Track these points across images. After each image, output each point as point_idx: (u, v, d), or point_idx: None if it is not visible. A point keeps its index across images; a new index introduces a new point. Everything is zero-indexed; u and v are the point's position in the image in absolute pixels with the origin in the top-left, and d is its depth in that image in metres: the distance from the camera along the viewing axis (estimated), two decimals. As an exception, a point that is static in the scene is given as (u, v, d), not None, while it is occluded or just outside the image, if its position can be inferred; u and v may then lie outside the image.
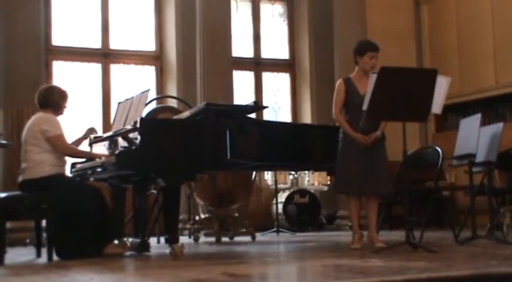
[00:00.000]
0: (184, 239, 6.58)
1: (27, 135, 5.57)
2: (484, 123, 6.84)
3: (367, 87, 5.36)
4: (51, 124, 5.52)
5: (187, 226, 7.90)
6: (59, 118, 5.69)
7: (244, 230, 7.66)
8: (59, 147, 5.50)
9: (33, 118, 5.69)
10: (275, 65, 10.89)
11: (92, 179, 5.93)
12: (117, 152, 5.11)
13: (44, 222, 5.54)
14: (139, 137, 4.98)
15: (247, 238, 7.54)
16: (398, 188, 5.76)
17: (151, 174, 5.28)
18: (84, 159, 5.86)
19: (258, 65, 10.68)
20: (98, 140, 6.07)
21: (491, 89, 9.58)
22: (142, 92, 5.67)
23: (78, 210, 5.31)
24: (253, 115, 6.17)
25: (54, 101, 5.69)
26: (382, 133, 5.72)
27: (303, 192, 9.49)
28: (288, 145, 5.87)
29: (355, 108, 5.66)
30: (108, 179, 5.89)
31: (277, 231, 8.74)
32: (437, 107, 5.57)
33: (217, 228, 7.42)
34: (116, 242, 5.60)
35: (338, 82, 5.91)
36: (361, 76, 5.78)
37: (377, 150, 5.68)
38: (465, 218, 6.55)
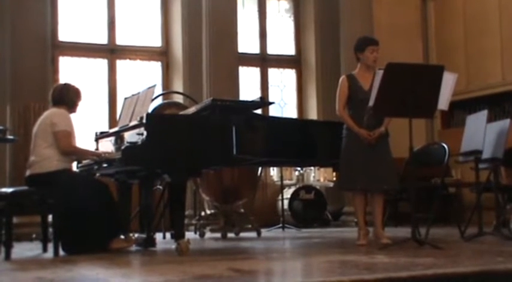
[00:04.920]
0: (190, 235, 6.58)
1: (39, 128, 5.60)
2: (490, 119, 6.83)
3: (374, 83, 5.36)
4: (62, 119, 5.54)
5: (193, 222, 7.92)
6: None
7: (249, 226, 7.67)
8: (61, 143, 5.48)
9: (46, 112, 5.71)
10: (281, 61, 10.88)
11: (98, 174, 5.93)
12: (123, 147, 5.12)
13: (50, 217, 5.55)
14: (145, 133, 4.99)
15: (253, 234, 7.55)
16: (404, 184, 5.75)
17: (157, 169, 5.29)
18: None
19: (264, 61, 10.67)
20: (104, 135, 6.09)
21: (497, 85, 9.55)
22: (149, 88, 5.68)
23: (85, 206, 5.32)
24: (259, 111, 6.17)
25: (69, 98, 5.72)
26: (385, 129, 5.71)
27: (309, 188, 9.49)
28: (294, 141, 5.87)
29: (358, 104, 5.65)
30: (114, 175, 5.90)
31: (283, 227, 8.74)
32: (443, 103, 5.55)
33: (222, 224, 7.43)
34: (122, 237, 5.62)
35: (341, 78, 5.91)
36: (363, 72, 5.78)
37: (381, 147, 5.67)
38: (471, 214, 6.54)
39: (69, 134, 5.54)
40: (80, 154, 5.77)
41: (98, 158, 5.62)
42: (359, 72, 5.83)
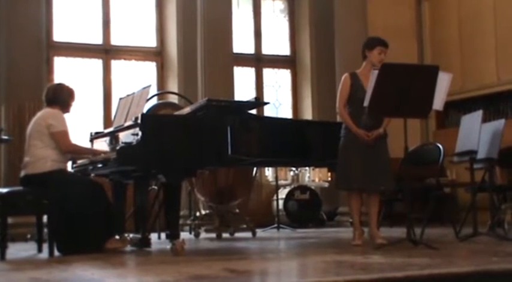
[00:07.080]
0: (185, 235, 6.58)
1: (33, 129, 5.59)
2: (485, 120, 6.84)
3: (369, 83, 5.36)
4: (58, 119, 5.54)
5: (188, 222, 7.91)
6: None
7: (244, 226, 7.67)
8: (61, 143, 5.51)
9: (40, 113, 5.70)
10: (276, 61, 10.88)
11: (93, 174, 5.92)
12: (118, 147, 5.11)
13: (45, 218, 5.54)
14: (140, 133, 4.98)
15: (248, 234, 7.55)
16: (399, 184, 5.75)
17: (152, 170, 5.28)
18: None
19: (258, 61, 10.67)
20: (99, 135, 6.08)
21: (492, 85, 9.56)
22: (144, 88, 5.68)
23: (79, 206, 5.32)
24: (254, 111, 6.17)
25: (63, 98, 5.72)
26: (384, 130, 5.71)
27: (304, 188, 9.49)
28: (289, 141, 5.86)
29: (358, 103, 5.62)
30: (109, 175, 5.89)
31: (278, 228, 8.74)
32: (438, 103, 5.56)
33: (217, 224, 7.42)
34: (116, 237, 5.61)
35: (344, 76, 5.88)
36: (367, 72, 5.71)
37: (379, 147, 5.67)
38: (466, 214, 6.55)
39: (66, 134, 5.55)
40: (81, 151, 5.79)
41: (94, 158, 5.63)
42: (363, 71, 5.82)
